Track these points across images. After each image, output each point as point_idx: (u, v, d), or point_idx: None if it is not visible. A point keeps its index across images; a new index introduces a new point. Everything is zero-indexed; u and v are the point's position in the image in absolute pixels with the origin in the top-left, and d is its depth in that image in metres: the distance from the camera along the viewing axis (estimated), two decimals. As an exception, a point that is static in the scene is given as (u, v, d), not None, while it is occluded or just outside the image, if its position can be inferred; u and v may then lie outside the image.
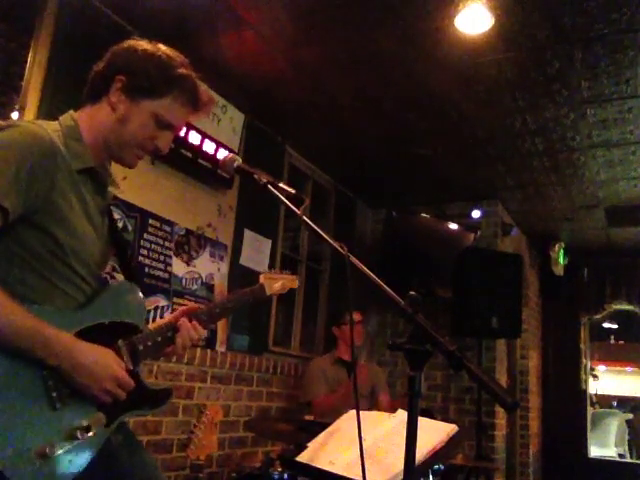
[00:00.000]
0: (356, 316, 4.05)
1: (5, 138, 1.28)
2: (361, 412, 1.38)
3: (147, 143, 1.46)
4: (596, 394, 9.68)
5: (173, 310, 3.40)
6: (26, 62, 2.75)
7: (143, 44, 1.46)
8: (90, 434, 1.32)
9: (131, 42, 1.48)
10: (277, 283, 1.86)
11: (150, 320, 3.23)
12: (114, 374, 1.34)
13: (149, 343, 1.47)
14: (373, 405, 3.90)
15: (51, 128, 1.38)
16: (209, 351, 3.63)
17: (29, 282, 1.31)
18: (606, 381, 10.85)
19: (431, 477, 2.72)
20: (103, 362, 1.33)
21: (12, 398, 1.22)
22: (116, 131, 1.43)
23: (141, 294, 1.54)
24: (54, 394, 1.27)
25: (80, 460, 1.29)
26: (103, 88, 1.44)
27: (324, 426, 2.06)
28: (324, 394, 3.80)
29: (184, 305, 3.48)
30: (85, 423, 1.31)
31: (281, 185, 1.46)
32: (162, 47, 1.47)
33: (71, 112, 1.47)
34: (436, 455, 1.68)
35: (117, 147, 1.45)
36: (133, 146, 1.45)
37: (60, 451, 1.25)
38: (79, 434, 1.29)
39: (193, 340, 1.57)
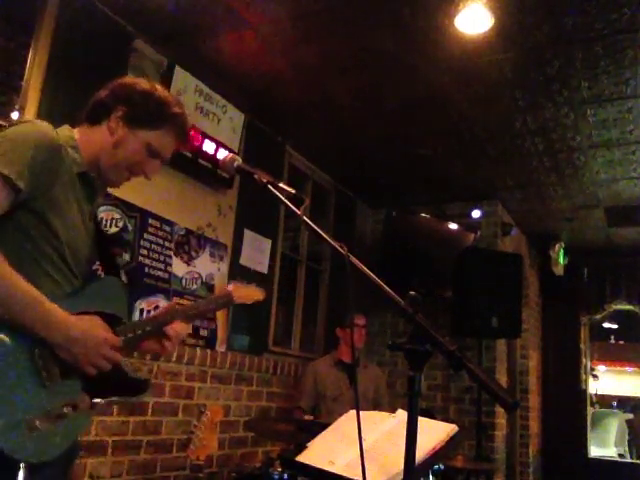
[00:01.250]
0: (361, 320, 4.04)
1: (22, 131, 1.42)
2: (361, 412, 1.38)
3: (136, 168, 1.60)
4: (596, 394, 9.67)
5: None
6: (26, 62, 2.75)
7: (143, 82, 1.64)
8: (77, 412, 1.40)
9: (132, 79, 1.66)
10: (244, 292, 1.97)
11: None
12: (105, 337, 1.44)
13: (130, 335, 1.56)
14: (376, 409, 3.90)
15: (55, 134, 1.50)
16: (209, 351, 3.63)
17: (24, 266, 1.38)
18: (606, 381, 10.84)
19: (431, 477, 2.72)
20: (94, 331, 1.43)
21: (5, 373, 1.29)
22: (110, 153, 1.56)
23: (124, 290, 1.65)
24: (44, 373, 1.35)
25: (66, 436, 1.38)
26: (104, 114, 1.58)
27: (324, 426, 2.06)
28: (308, 407, 3.85)
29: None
30: (73, 401, 1.40)
31: (281, 185, 1.47)
32: (159, 87, 1.65)
33: (67, 126, 1.58)
34: (436, 455, 1.68)
35: (108, 167, 1.57)
36: (123, 168, 1.58)
37: (49, 425, 1.33)
38: (67, 411, 1.38)
39: (182, 337, 1.72)
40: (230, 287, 1.93)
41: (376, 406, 3.95)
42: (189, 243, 3.58)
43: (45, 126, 1.47)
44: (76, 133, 1.57)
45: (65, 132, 1.55)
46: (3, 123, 2.60)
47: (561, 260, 6.44)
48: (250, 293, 1.99)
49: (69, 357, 1.37)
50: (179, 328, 1.68)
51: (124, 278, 2.96)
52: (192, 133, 3.45)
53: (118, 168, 1.58)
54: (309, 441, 1.95)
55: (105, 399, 1.50)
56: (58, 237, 1.44)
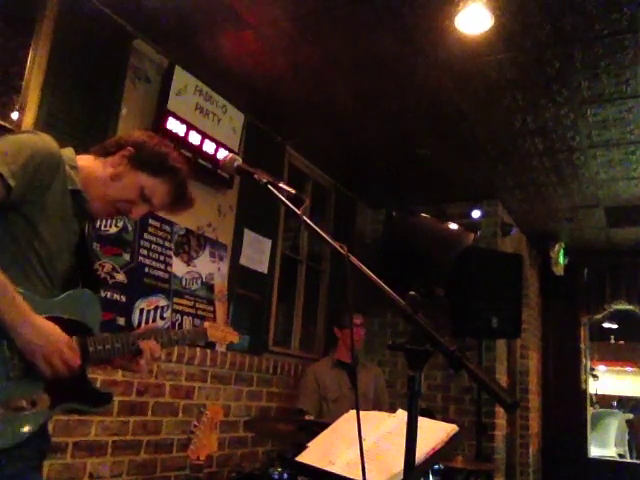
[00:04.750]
0: (358, 319, 4.04)
1: (24, 138, 1.50)
2: (361, 412, 1.38)
3: (123, 205, 1.66)
4: (596, 394, 9.68)
5: (173, 310, 3.41)
6: (26, 62, 2.75)
7: (159, 138, 1.76)
8: (35, 409, 1.43)
9: (151, 134, 1.76)
10: (219, 332, 2.03)
11: (150, 320, 3.24)
12: (66, 339, 1.47)
13: (99, 347, 1.58)
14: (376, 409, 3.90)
15: (57, 148, 1.55)
16: (209, 351, 3.63)
17: (4, 263, 1.41)
18: (606, 381, 10.85)
19: (431, 477, 2.72)
20: (56, 331, 1.46)
21: None
22: (106, 183, 1.63)
23: (98, 303, 1.68)
24: (10, 364, 1.39)
25: (22, 430, 1.42)
26: (113, 151, 1.67)
27: (324, 426, 2.06)
28: (311, 409, 3.84)
29: (184, 305, 3.50)
30: (32, 398, 1.43)
31: (281, 185, 1.47)
32: (174, 149, 1.76)
33: (71, 149, 1.63)
34: (436, 455, 1.68)
35: (98, 196, 1.63)
36: (111, 201, 1.65)
37: (6, 414, 1.37)
38: (26, 405, 1.41)
39: (155, 358, 1.73)
40: (206, 324, 2.00)
41: (376, 406, 3.96)
42: (189, 243, 3.58)
43: (49, 138, 1.53)
44: (79, 158, 1.63)
45: (68, 153, 1.60)
46: (3, 123, 2.61)
47: (561, 260, 6.44)
48: (225, 335, 2.06)
49: (27, 347, 1.39)
50: (153, 345, 1.71)
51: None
52: (192, 133, 3.46)
53: (107, 199, 1.64)
54: (309, 441, 1.95)
55: (65, 405, 1.53)
56: (43, 244, 1.49)
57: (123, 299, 3.09)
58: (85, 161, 1.65)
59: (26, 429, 1.43)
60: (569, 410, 6.88)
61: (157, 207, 1.73)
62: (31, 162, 1.43)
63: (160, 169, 1.67)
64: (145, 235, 3.28)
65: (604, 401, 10.52)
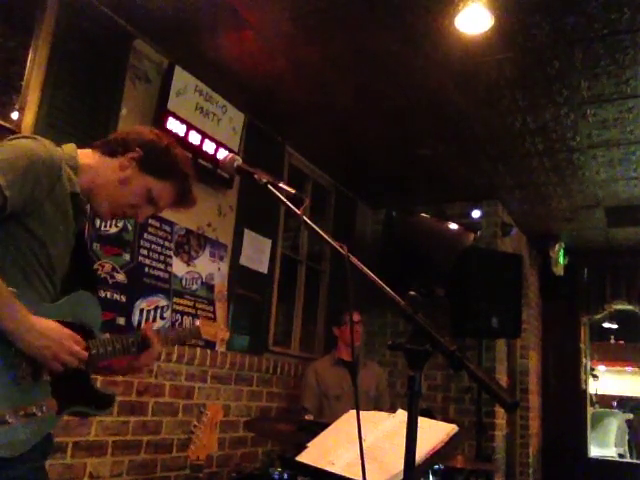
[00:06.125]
0: (356, 316, 4.05)
1: (24, 144, 1.47)
2: (361, 412, 1.38)
3: (129, 208, 1.67)
4: (596, 394, 9.67)
5: (173, 310, 3.41)
6: (26, 62, 2.75)
7: (168, 139, 1.74)
8: (44, 414, 1.45)
9: (161, 134, 1.74)
10: (211, 329, 2.09)
11: (150, 320, 3.24)
12: (68, 333, 1.47)
13: (101, 349, 1.60)
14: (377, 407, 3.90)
15: (57, 152, 1.54)
16: (209, 351, 3.63)
17: (7, 270, 1.42)
18: (606, 381, 10.84)
19: (431, 477, 2.72)
20: (58, 328, 1.46)
21: None
22: (114, 187, 1.62)
23: (98, 305, 1.69)
24: (19, 371, 1.40)
25: (32, 436, 1.42)
26: (120, 150, 1.64)
27: (324, 426, 2.06)
28: (313, 407, 3.84)
29: (184, 305, 3.50)
30: (41, 403, 1.44)
31: (281, 185, 1.47)
32: (179, 147, 1.75)
33: (73, 145, 1.61)
34: (436, 455, 1.68)
35: (105, 200, 1.63)
36: (118, 205, 1.65)
37: (18, 421, 1.38)
38: (36, 411, 1.42)
39: (159, 351, 1.77)
40: (198, 322, 2.05)
41: (377, 404, 3.96)
42: (189, 243, 3.58)
43: (47, 143, 1.51)
44: (81, 155, 1.60)
45: (69, 150, 1.58)
46: (3, 123, 2.61)
47: (561, 260, 6.44)
48: (217, 332, 2.12)
49: (34, 352, 1.39)
50: (158, 341, 1.74)
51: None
52: (192, 133, 3.46)
53: (114, 203, 1.63)
54: (309, 441, 1.95)
55: (71, 408, 1.55)
56: (43, 249, 1.48)
57: (123, 299, 3.09)
58: (90, 159, 1.62)
59: (37, 435, 1.43)
60: (569, 410, 6.88)
61: (162, 208, 1.73)
62: (31, 171, 1.41)
63: (168, 173, 1.66)
64: (145, 235, 3.28)
65: (604, 401, 10.52)
